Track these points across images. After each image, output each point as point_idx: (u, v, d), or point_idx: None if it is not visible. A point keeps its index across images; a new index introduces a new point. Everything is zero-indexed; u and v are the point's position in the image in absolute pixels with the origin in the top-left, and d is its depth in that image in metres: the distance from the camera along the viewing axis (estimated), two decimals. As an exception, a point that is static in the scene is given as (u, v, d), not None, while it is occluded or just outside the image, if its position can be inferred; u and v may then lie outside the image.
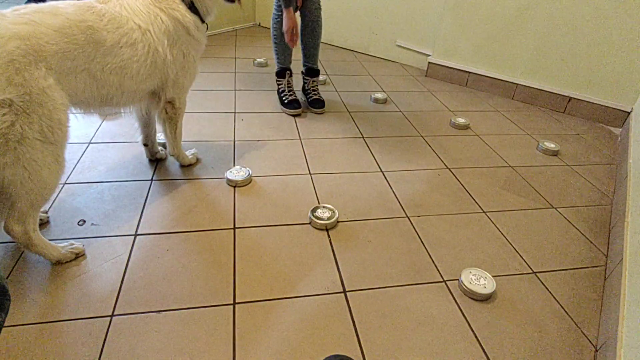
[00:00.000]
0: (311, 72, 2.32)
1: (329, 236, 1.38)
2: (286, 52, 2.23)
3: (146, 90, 1.34)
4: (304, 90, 2.38)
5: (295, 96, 2.26)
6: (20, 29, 0.94)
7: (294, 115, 2.21)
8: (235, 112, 2.19)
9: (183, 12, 1.32)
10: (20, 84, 0.92)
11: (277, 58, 2.27)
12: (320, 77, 2.53)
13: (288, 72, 2.28)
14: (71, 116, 1.18)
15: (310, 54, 2.27)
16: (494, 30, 2.66)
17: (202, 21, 1.42)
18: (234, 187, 1.58)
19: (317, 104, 2.27)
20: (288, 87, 2.27)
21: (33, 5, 1.03)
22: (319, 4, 2.14)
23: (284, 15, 1.97)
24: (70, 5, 1.08)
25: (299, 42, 2.12)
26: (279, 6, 2.08)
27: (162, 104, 1.43)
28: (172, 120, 1.51)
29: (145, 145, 1.65)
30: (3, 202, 1.02)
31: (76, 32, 1.05)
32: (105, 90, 1.19)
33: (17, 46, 0.92)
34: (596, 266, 1.37)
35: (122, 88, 1.23)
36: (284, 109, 2.24)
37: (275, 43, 2.21)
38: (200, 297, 1.11)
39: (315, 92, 2.32)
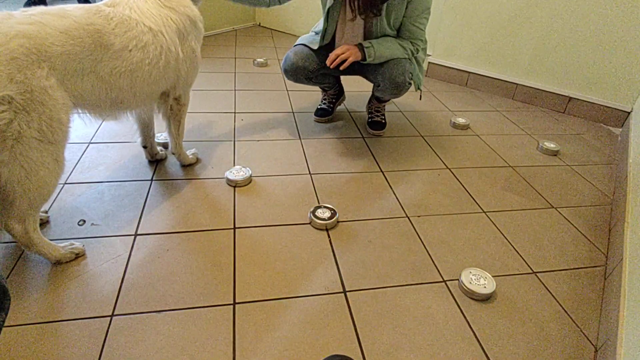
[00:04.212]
0: (380, 100, 2.11)
1: (329, 236, 1.38)
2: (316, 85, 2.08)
3: (159, 91, 1.35)
4: (367, 109, 2.20)
5: (324, 106, 2.20)
6: (25, 29, 0.95)
7: (316, 121, 2.18)
8: (235, 112, 2.19)
9: (191, 6, 1.33)
10: (22, 82, 0.92)
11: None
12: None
13: (323, 91, 2.21)
14: (73, 116, 1.18)
15: (385, 98, 2.04)
16: (494, 30, 2.66)
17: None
18: (234, 187, 1.58)
19: (375, 125, 2.09)
20: (323, 97, 2.23)
21: (42, 7, 1.03)
22: (409, 80, 1.81)
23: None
24: (78, 9, 1.08)
25: None
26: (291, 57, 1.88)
27: (170, 102, 1.44)
28: (177, 117, 1.51)
29: (145, 147, 1.65)
30: (3, 201, 1.02)
31: (83, 35, 1.05)
32: (115, 94, 1.18)
33: (21, 44, 0.93)
34: (596, 266, 1.37)
35: (134, 90, 1.22)
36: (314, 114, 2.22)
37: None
38: (200, 297, 1.11)
39: (379, 114, 2.14)
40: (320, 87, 2.18)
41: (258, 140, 1.94)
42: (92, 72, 1.09)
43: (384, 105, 2.19)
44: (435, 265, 1.30)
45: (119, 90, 1.18)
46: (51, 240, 1.18)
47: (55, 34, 0.99)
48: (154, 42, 1.21)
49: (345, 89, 2.29)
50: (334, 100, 2.23)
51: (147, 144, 1.64)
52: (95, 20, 1.09)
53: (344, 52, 1.68)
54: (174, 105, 1.47)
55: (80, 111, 1.17)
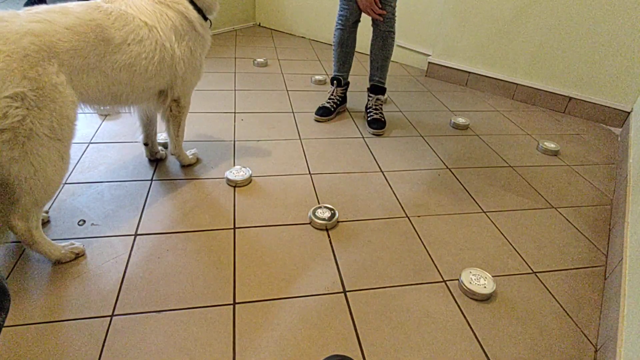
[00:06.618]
0: (375, 89, 2.18)
1: (329, 236, 1.38)
2: (341, 60, 2.17)
3: (155, 88, 1.36)
4: (366, 108, 2.24)
5: (327, 105, 2.22)
6: (34, 27, 0.97)
7: (317, 120, 2.19)
8: (235, 112, 2.19)
9: (186, 4, 1.34)
10: (34, 79, 0.94)
11: (334, 64, 2.22)
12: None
13: (336, 81, 2.22)
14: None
15: (377, 67, 2.14)
16: (494, 30, 2.66)
17: (205, 18, 1.43)
18: (234, 187, 1.58)
19: (374, 124, 2.10)
20: (330, 95, 2.25)
21: (44, 5, 1.06)
22: (394, 14, 2.01)
23: None
24: (79, 5, 1.11)
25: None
26: (342, 12, 2.05)
27: (168, 103, 1.44)
28: (176, 119, 1.52)
29: (146, 144, 1.65)
30: (7, 198, 1.03)
31: (87, 31, 1.08)
32: (115, 88, 1.20)
33: (32, 42, 0.95)
34: (596, 266, 1.37)
35: (132, 85, 1.25)
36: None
37: (334, 50, 2.17)
38: (200, 297, 1.11)
39: (377, 111, 2.16)
40: (343, 64, 2.18)
41: (258, 140, 1.94)
42: (96, 67, 1.12)
43: (380, 99, 2.20)
44: (435, 265, 1.30)
45: (119, 84, 1.20)
46: (51, 240, 1.18)
47: (62, 31, 1.02)
48: (150, 37, 1.24)
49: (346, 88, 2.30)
50: (338, 102, 2.25)
51: (149, 141, 1.64)
52: (96, 16, 1.12)
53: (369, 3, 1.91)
54: (173, 107, 1.48)
55: (82, 107, 1.18)
